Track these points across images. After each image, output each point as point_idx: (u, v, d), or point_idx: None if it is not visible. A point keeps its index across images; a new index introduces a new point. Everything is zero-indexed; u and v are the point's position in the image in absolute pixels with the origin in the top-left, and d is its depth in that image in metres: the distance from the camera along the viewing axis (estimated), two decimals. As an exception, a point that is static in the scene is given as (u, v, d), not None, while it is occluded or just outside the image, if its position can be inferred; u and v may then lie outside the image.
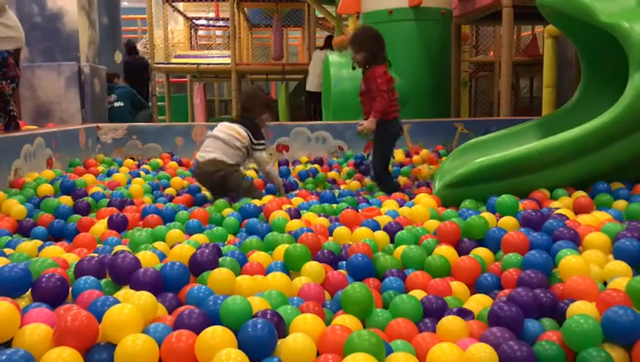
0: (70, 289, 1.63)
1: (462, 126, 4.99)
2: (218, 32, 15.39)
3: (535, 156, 2.74)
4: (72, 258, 1.98)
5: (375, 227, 2.33)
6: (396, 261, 2.00)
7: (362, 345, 1.28)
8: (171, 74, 11.02)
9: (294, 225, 2.36)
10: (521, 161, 2.75)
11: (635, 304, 1.50)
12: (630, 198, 2.62)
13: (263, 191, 3.59)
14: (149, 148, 4.82)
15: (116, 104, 7.34)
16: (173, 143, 4.82)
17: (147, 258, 1.86)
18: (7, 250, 2.18)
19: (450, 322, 1.48)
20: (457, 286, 1.81)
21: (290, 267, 1.91)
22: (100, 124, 4.93)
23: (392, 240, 2.23)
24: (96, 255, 1.91)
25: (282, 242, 2.11)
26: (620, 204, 2.56)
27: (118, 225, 2.55)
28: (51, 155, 3.90)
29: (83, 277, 1.66)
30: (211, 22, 14.26)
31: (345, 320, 1.51)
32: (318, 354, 1.34)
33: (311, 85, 8.75)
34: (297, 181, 3.86)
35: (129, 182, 3.64)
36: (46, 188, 3.21)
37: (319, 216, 2.59)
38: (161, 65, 10.28)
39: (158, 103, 11.20)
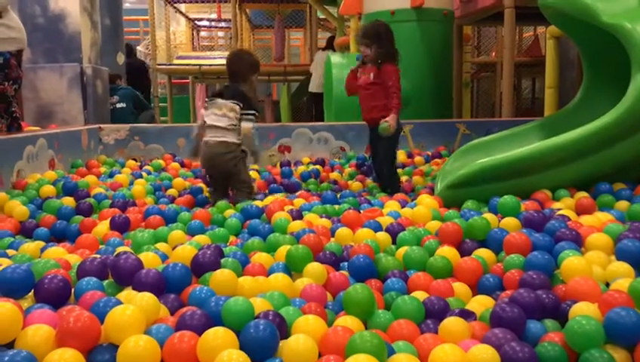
0: (72, 290, 1.63)
1: (464, 127, 4.99)
2: (220, 33, 15.40)
3: (537, 157, 2.73)
4: (75, 259, 1.98)
5: (377, 228, 2.33)
6: (398, 262, 2.00)
7: (364, 346, 1.28)
8: (173, 75, 11.03)
9: (296, 226, 2.36)
10: (523, 161, 2.75)
11: (638, 305, 1.50)
12: (632, 199, 2.62)
13: (267, 191, 3.60)
14: (151, 149, 4.82)
15: (118, 105, 7.35)
16: (175, 144, 4.82)
17: (149, 259, 1.87)
18: (10, 251, 2.18)
19: (452, 323, 1.48)
20: (459, 288, 1.81)
21: (292, 268, 1.91)
22: (102, 125, 4.94)
23: (393, 242, 2.23)
24: (98, 256, 1.92)
25: (284, 243, 2.11)
26: (622, 204, 2.56)
27: (121, 227, 2.56)
28: (54, 156, 3.90)
29: (85, 279, 1.66)
30: (213, 23, 14.28)
31: (347, 321, 1.51)
32: (320, 356, 1.34)
33: (313, 86, 8.74)
34: (300, 181, 3.86)
35: (131, 184, 3.64)
36: (48, 190, 3.22)
37: (321, 217, 2.59)
38: (163, 67, 10.29)
39: (160, 104, 11.21)
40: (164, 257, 2.00)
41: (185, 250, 1.94)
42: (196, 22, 13.38)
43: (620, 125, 2.60)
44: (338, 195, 3.30)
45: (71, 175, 3.75)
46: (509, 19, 5.35)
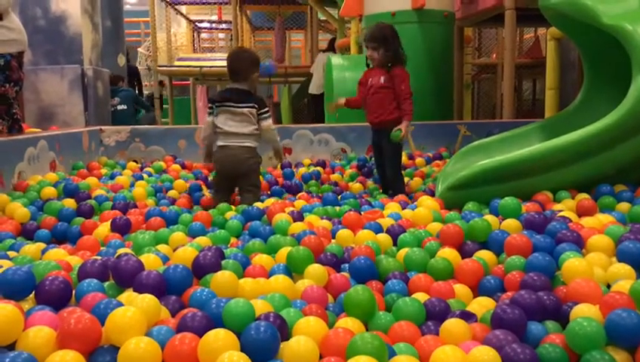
0: (73, 291, 1.63)
1: (464, 128, 4.99)
2: (221, 35, 15.43)
3: (538, 158, 2.73)
4: (76, 261, 1.98)
5: (378, 230, 2.33)
6: (399, 263, 2.00)
7: (365, 348, 1.28)
8: (174, 77, 11.04)
9: (297, 227, 2.36)
10: (524, 163, 2.75)
11: (639, 306, 1.50)
12: (633, 201, 2.62)
13: (269, 192, 3.60)
14: (152, 150, 4.82)
15: (119, 107, 7.36)
16: (176, 146, 4.82)
17: (150, 261, 1.87)
18: (11, 253, 2.18)
19: (453, 325, 1.47)
20: (460, 289, 1.81)
21: (293, 269, 1.91)
22: (103, 127, 4.93)
23: (394, 243, 2.23)
24: (99, 258, 1.92)
25: (285, 245, 2.11)
26: (624, 206, 2.56)
27: (122, 228, 2.56)
28: (55, 158, 3.91)
29: (86, 280, 1.66)
30: (214, 25, 14.30)
31: (348, 322, 1.51)
32: (320, 357, 1.34)
33: (313, 88, 8.72)
34: (301, 183, 3.87)
35: (132, 185, 3.64)
36: (49, 191, 3.22)
37: (322, 218, 2.60)
38: (164, 68, 10.30)
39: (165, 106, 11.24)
40: (165, 259, 2.00)
41: (186, 251, 1.94)
42: (197, 23, 13.40)
43: (621, 127, 2.60)
44: (339, 197, 3.31)
45: (72, 177, 3.76)
46: (510, 21, 5.35)
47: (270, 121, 3.26)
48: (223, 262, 1.86)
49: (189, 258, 1.86)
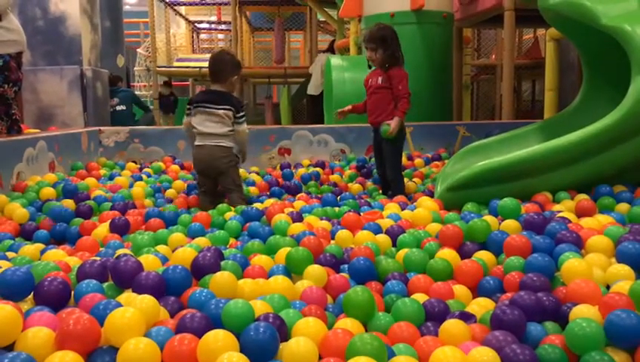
0: (72, 292, 1.63)
1: (464, 129, 4.99)
2: (220, 36, 15.44)
3: (537, 159, 2.73)
4: (75, 261, 1.98)
5: (377, 230, 2.33)
6: (398, 264, 2.00)
7: (364, 349, 1.28)
8: (173, 77, 11.04)
9: (296, 228, 2.36)
10: (523, 164, 2.75)
11: (638, 307, 1.50)
12: (633, 201, 2.62)
13: (268, 193, 3.60)
14: (151, 151, 4.82)
15: (118, 107, 7.36)
16: (175, 147, 4.82)
17: (149, 261, 1.86)
18: (10, 254, 2.18)
19: (452, 325, 1.47)
20: (459, 290, 1.81)
21: (292, 270, 1.90)
22: (102, 128, 4.93)
23: (394, 244, 2.23)
24: (98, 258, 1.91)
25: (284, 245, 2.11)
26: (623, 207, 2.56)
27: (121, 229, 2.55)
28: (54, 159, 3.90)
29: (85, 281, 1.66)
30: (213, 25, 14.31)
31: (347, 323, 1.50)
32: (320, 358, 1.34)
33: (311, 88, 8.70)
34: (301, 183, 3.87)
35: (131, 186, 3.64)
36: (48, 192, 3.22)
37: (321, 219, 2.59)
38: (163, 69, 10.30)
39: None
40: (164, 259, 2.00)
41: (185, 252, 1.94)
42: (196, 24, 13.41)
43: (620, 127, 2.60)
44: (338, 198, 3.30)
45: (71, 177, 3.76)
46: (509, 22, 5.35)
47: (245, 125, 3.31)
48: (222, 263, 1.86)
49: (188, 258, 1.85)
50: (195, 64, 10.66)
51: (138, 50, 13.35)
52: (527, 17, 5.53)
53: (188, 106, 3.36)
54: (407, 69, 3.47)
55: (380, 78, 3.42)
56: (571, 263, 1.76)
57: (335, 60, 5.57)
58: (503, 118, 5.70)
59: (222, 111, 3.22)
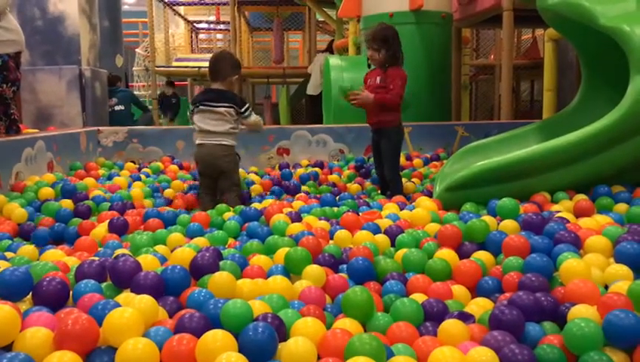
0: (71, 292, 1.63)
1: (462, 129, 4.99)
2: (219, 36, 15.44)
3: (536, 159, 2.74)
4: (73, 261, 1.98)
5: (376, 230, 2.33)
6: (397, 264, 2.00)
7: (363, 349, 1.28)
8: (172, 77, 11.03)
9: (295, 228, 2.36)
10: (522, 164, 2.75)
11: (637, 307, 1.50)
12: (631, 201, 2.62)
13: (268, 193, 3.60)
14: (150, 151, 4.82)
15: (117, 107, 7.36)
16: (174, 147, 4.82)
17: (148, 261, 1.86)
18: (8, 254, 2.18)
19: (451, 325, 1.47)
20: (458, 290, 1.81)
21: (291, 270, 1.90)
22: (100, 128, 4.93)
23: (392, 244, 2.23)
24: (97, 258, 1.91)
25: (283, 245, 2.11)
26: (621, 207, 2.56)
27: (119, 229, 2.55)
28: (52, 159, 3.90)
29: (84, 281, 1.66)
30: (212, 25, 14.31)
31: (346, 323, 1.50)
32: (318, 358, 1.34)
33: (310, 88, 8.70)
34: (299, 183, 3.86)
35: (130, 186, 3.64)
36: (47, 192, 3.21)
37: (320, 219, 2.59)
38: (162, 69, 10.30)
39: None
40: (163, 259, 2.00)
41: (184, 252, 1.94)
42: (195, 24, 13.40)
43: (619, 128, 2.60)
44: (337, 198, 3.30)
45: (69, 177, 3.75)
46: (508, 22, 5.36)
47: (254, 115, 3.35)
48: (221, 263, 1.86)
49: (187, 259, 1.85)
50: (194, 64, 10.66)
51: (137, 50, 13.34)
52: (525, 17, 5.53)
53: (191, 107, 3.38)
54: (406, 69, 3.47)
55: (378, 78, 3.42)
56: (570, 263, 1.77)
57: (333, 60, 5.56)
58: (501, 118, 5.71)
59: (222, 108, 3.23)
